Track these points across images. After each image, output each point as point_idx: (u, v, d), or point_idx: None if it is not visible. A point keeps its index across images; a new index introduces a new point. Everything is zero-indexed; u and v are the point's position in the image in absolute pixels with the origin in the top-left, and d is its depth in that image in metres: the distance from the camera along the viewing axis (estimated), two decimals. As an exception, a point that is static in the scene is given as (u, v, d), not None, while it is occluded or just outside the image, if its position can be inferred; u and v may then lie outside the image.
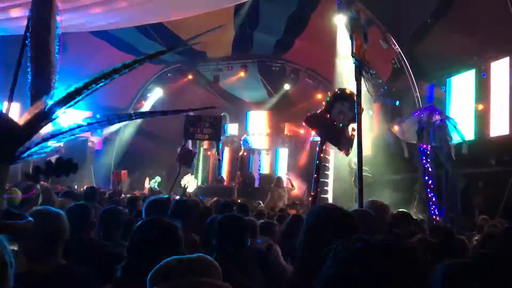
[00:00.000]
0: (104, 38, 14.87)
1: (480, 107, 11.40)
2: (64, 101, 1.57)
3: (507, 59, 10.55)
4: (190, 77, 19.35)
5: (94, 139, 19.92)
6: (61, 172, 1.55)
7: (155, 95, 20.15)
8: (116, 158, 20.15)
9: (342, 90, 5.98)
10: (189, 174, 16.03)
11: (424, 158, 6.55)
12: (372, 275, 1.10)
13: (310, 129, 6.60)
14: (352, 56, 5.12)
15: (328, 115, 5.68)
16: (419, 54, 13.70)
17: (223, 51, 17.55)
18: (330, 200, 16.57)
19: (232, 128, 21.18)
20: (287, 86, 18.44)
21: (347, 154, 5.69)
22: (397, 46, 13.85)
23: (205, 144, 20.41)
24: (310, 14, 14.58)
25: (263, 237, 4.67)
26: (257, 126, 21.01)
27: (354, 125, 5.91)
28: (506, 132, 10.45)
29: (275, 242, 4.66)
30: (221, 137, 14.00)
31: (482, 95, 11.36)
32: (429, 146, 6.56)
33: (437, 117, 6.43)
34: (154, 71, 19.59)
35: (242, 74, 18.14)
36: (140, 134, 19.88)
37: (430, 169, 6.37)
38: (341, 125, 5.67)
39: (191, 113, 13.72)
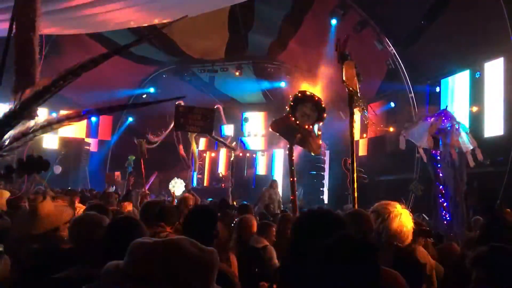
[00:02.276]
0: (98, 40, 14.82)
1: (475, 107, 11.45)
2: (34, 100, 1.55)
3: (501, 59, 10.60)
4: (186, 78, 19.34)
5: (90, 141, 19.90)
6: (32, 169, 1.54)
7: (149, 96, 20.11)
8: (111, 160, 20.12)
9: (303, 92, 6.05)
10: (175, 177, 15.97)
11: (435, 164, 6.54)
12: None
13: (278, 134, 6.62)
14: (343, 83, 5.21)
15: (293, 118, 5.73)
16: (413, 55, 13.76)
17: (218, 52, 17.55)
18: (326, 201, 16.64)
19: (227, 129, 21.17)
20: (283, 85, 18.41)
21: (315, 153, 5.74)
22: (392, 47, 13.90)
23: (203, 145, 20.42)
24: (304, 16, 14.62)
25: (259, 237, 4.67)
26: (253, 127, 21.02)
27: (320, 125, 6.05)
28: (500, 132, 10.51)
29: (271, 243, 4.67)
30: (213, 130, 13.82)
31: (476, 96, 11.42)
32: (439, 151, 6.54)
33: (447, 123, 6.41)
34: (148, 72, 19.56)
35: (237, 74, 18.13)
36: (133, 135, 19.81)
37: (441, 175, 6.35)
38: (306, 126, 5.76)
39: (182, 104, 13.49)
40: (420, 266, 3.24)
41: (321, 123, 6.10)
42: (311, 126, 5.48)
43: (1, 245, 2.80)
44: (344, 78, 5.13)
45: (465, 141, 6.56)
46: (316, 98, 5.89)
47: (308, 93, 6.07)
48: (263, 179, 17.38)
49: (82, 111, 1.61)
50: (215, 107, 14.08)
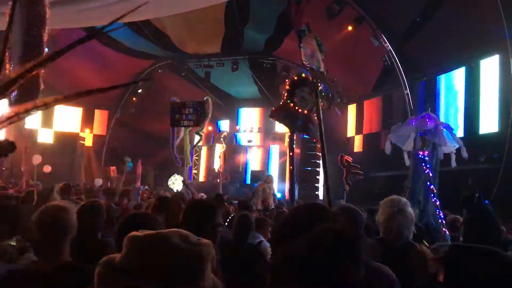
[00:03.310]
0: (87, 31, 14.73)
1: (470, 104, 11.48)
2: (8, 86, 1.51)
3: (496, 56, 10.63)
4: (181, 73, 19.30)
5: (85, 136, 19.85)
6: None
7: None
8: (106, 155, 20.08)
9: (298, 75, 5.91)
10: (175, 174, 16.04)
11: (424, 164, 6.53)
12: None
13: (278, 122, 6.51)
14: (303, 64, 5.13)
15: (292, 104, 5.62)
16: (409, 51, 13.77)
17: (213, 47, 17.51)
18: (321, 197, 16.66)
19: (223, 125, 21.16)
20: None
21: (315, 139, 5.67)
22: (388, 44, 13.91)
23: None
24: (300, 12, 14.61)
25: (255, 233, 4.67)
26: (249, 123, 21.00)
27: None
28: (495, 129, 10.55)
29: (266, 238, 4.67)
30: (205, 121, 13.81)
31: (472, 93, 11.44)
32: (426, 152, 6.55)
33: (431, 124, 6.41)
34: (143, 66, 19.49)
35: (233, 70, 18.08)
36: (128, 130, 19.83)
37: (431, 175, 6.35)
38: (306, 111, 5.63)
39: (177, 100, 13.60)
40: (414, 265, 3.24)
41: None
42: (310, 111, 5.39)
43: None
44: (303, 59, 5.03)
45: (451, 140, 6.59)
46: (312, 80, 5.77)
47: (303, 75, 5.97)
48: (258, 175, 17.39)
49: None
50: (205, 98, 14.11)
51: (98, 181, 15.61)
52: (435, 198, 6.31)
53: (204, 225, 2.62)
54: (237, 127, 21.05)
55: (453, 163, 6.71)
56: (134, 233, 1.15)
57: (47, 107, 1.52)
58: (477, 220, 3.14)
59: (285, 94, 5.75)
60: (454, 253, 1.69)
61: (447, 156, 6.58)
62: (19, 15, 2.26)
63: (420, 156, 6.46)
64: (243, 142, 20.60)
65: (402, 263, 2.68)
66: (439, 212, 6.12)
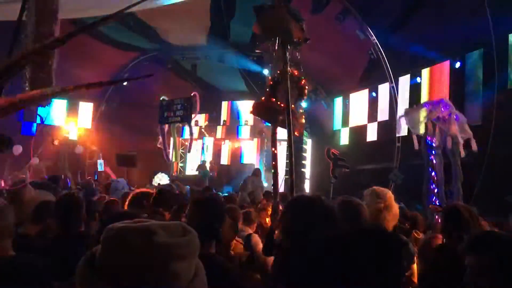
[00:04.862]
0: (73, 23, 14.49)
1: (455, 97, 11.59)
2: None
3: (481, 50, 10.75)
4: (167, 66, 19.14)
5: (69, 129, 19.61)
6: None
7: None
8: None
9: (282, 71, 5.82)
10: (159, 172, 16.13)
11: (429, 150, 6.57)
12: None
13: (259, 118, 6.45)
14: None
15: (274, 99, 5.56)
16: (395, 45, 13.84)
17: (199, 40, 17.37)
18: (308, 190, 16.75)
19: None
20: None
21: (299, 134, 5.61)
22: (374, 37, 13.96)
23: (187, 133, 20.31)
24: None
25: (244, 227, 4.69)
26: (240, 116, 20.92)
27: (302, 105, 5.88)
28: (478, 122, 10.68)
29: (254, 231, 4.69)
30: (192, 116, 13.78)
31: (456, 86, 11.56)
32: (435, 139, 6.58)
33: (446, 111, 6.44)
34: (128, 59, 19.24)
35: (219, 63, 18.00)
36: (114, 123, 19.63)
37: (434, 162, 6.39)
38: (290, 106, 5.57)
39: (166, 98, 13.63)
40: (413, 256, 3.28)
41: (303, 101, 5.95)
42: (292, 105, 5.32)
43: None
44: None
45: (461, 131, 6.64)
46: (295, 75, 5.72)
47: (287, 70, 5.91)
48: (249, 168, 17.36)
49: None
50: (192, 94, 14.07)
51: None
52: (433, 186, 6.34)
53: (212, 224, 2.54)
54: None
55: (462, 153, 6.74)
56: (113, 224, 1.04)
57: (46, 98, 1.48)
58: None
59: (268, 90, 5.70)
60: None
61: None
62: (32, 9, 2.20)
63: (427, 141, 6.50)
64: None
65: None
66: (435, 199, 6.18)
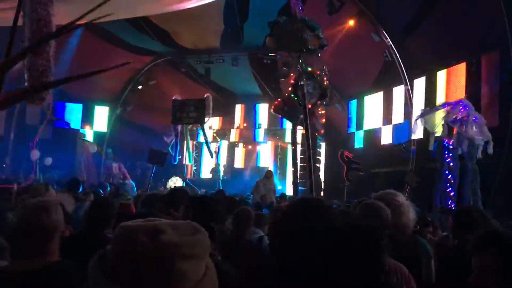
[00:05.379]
0: (90, 30, 14.69)
1: (471, 99, 11.44)
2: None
3: (497, 52, 10.59)
4: (181, 69, 19.28)
5: (85, 131, 19.83)
6: None
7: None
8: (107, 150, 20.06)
9: (304, 69, 5.75)
10: (173, 176, 16.29)
11: (446, 152, 6.48)
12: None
13: (281, 116, 6.43)
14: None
15: (296, 98, 5.53)
16: (410, 47, 13.73)
17: (212, 43, 17.45)
18: (322, 193, 16.65)
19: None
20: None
21: (318, 134, 5.58)
22: (389, 39, 13.86)
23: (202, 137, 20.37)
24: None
25: (255, 228, 4.68)
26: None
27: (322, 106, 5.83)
28: (495, 124, 10.51)
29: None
30: (206, 118, 13.89)
31: (473, 89, 11.40)
32: (452, 141, 6.48)
33: (464, 112, 6.33)
34: (144, 63, 19.42)
35: (233, 67, 18.04)
36: (129, 126, 19.80)
37: (451, 164, 6.30)
38: (309, 106, 5.51)
39: (178, 98, 13.73)
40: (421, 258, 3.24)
41: (324, 102, 5.90)
42: (314, 105, 5.30)
43: None
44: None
45: (480, 133, 6.53)
46: (318, 75, 5.70)
47: (309, 69, 5.90)
48: (262, 171, 17.33)
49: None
50: (205, 95, 14.14)
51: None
52: (450, 189, 6.23)
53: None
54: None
55: (479, 154, 6.63)
56: (124, 223, 1.03)
57: (46, 88, 1.49)
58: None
59: (290, 88, 5.67)
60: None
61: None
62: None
63: (444, 143, 6.41)
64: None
65: (410, 256, 2.68)
66: (450, 202, 6.09)
